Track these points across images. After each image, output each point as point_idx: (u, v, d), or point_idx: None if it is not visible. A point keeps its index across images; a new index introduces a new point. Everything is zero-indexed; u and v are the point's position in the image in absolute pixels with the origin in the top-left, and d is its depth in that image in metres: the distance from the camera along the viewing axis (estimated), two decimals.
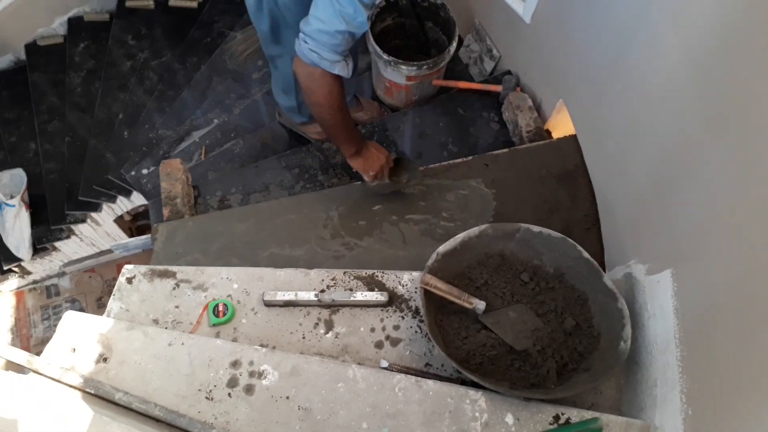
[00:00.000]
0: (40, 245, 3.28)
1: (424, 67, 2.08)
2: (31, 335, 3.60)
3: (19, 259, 3.29)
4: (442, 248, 1.46)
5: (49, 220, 3.23)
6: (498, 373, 1.34)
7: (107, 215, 3.29)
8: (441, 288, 1.39)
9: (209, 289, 1.53)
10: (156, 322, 1.48)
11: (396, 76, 2.15)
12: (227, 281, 1.54)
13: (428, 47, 2.37)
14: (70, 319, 1.37)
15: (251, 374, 1.29)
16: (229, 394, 1.26)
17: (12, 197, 3.13)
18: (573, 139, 1.93)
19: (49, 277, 3.73)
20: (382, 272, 1.57)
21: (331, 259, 1.73)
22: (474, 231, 1.50)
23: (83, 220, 3.26)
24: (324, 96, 1.47)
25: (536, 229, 1.51)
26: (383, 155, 1.71)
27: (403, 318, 1.49)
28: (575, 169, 1.90)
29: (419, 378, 1.28)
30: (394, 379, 1.27)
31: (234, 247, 1.73)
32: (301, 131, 2.30)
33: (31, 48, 3.54)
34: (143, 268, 1.55)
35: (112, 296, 1.51)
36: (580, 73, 1.79)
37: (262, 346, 1.43)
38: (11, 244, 3.22)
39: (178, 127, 2.65)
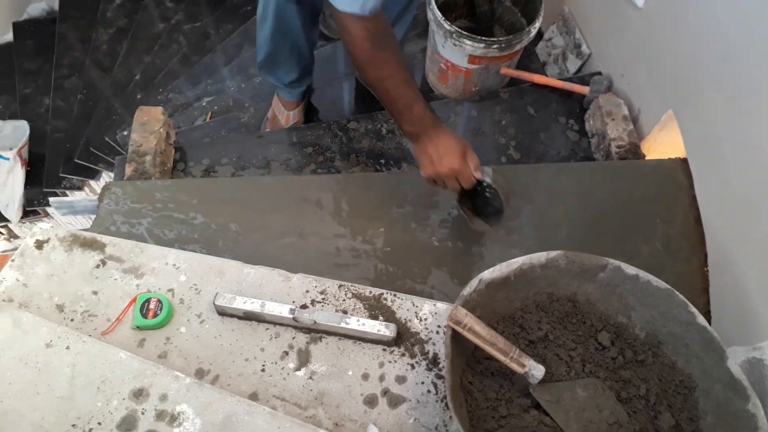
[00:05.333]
0: (30, 208, 2.93)
1: (494, 46, 1.62)
2: None
3: (6, 220, 2.96)
4: (488, 274, 0.97)
5: (44, 182, 2.89)
6: None
7: (104, 183, 2.91)
8: (479, 332, 0.89)
9: (145, 276, 1.07)
10: (61, 309, 1.02)
11: (456, 55, 1.69)
12: (173, 269, 1.08)
13: (491, 28, 1.89)
14: None
15: (159, 415, 0.82)
16: None
17: (10, 150, 2.81)
18: (682, 163, 1.43)
19: None
20: (395, 295, 1.08)
21: (330, 266, 1.25)
22: (539, 257, 1.01)
23: (80, 188, 2.90)
24: (360, 47, 1.09)
25: (631, 270, 1.01)
26: (463, 157, 1.15)
27: (412, 367, 1.00)
28: (678, 204, 1.39)
29: None
30: None
31: (205, 230, 1.28)
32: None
33: None
34: (62, 232, 1.11)
35: (9, 262, 1.07)
36: (708, 74, 1.31)
37: (198, 372, 0.95)
38: (1, 201, 2.90)
39: (189, 92, 2.27)
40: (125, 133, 2.07)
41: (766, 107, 1.11)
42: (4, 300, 1.02)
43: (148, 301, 1.02)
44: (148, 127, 1.43)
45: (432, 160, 1.14)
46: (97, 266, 1.08)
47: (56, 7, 3.30)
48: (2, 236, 3.15)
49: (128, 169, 1.39)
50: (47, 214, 3.07)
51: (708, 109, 1.34)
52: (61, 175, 2.81)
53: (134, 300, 1.03)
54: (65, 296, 1.04)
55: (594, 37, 1.81)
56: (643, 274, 1.01)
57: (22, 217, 2.97)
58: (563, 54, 1.91)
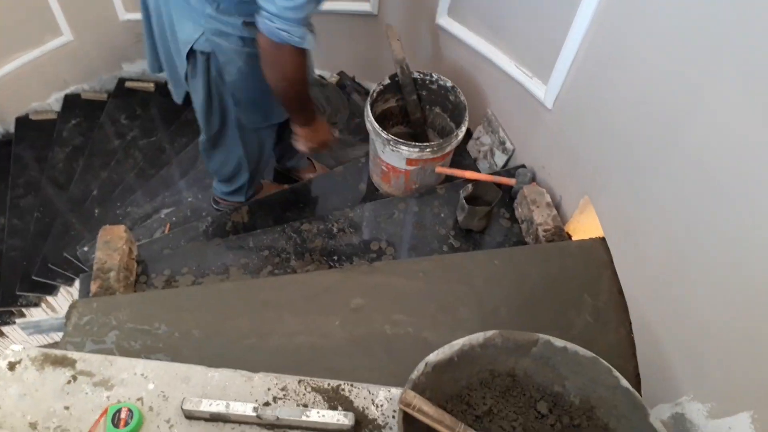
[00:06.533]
0: None
1: (428, 149, 1.82)
2: None
3: None
4: (434, 357, 1.08)
5: None
6: None
7: (64, 300, 2.91)
8: (427, 413, 0.99)
9: (115, 387, 1.13)
10: (34, 427, 1.07)
11: (395, 158, 1.88)
12: (141, 378, 1.14)
13: (425, 133, 2.13)
14: None
15: None
16: None
17: None
18: (602, 242, 1.61)
19: None
20: (351, 385, 1.17)
21: (290, 363, 1.33)
22: (477, 338, 1.13)
23: (36, 304, 2.88)
24: (292, 71, 1.47)
25: (559, 343, 1.14)
26: (331, 134, 1.79)
27: None
28: (601, 278, 1.56)
29: None
30: None
31: (169, 338, 1.35)
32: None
33: (22, 121, 3.39)
34: (34, 352, 1.17)
35: None
36: (614, 164, 1.51)
37: None
38: None
39: (147, 204, 2.37)
40: (85, 248, 2.14)
41: (663, 192, 1.30)
42: None
43: (119, 411, 1.07)
44: (111, 245, 1.53)
45: (320, 135, 1.73)
46: (68, 382, 1.13)
47: (12, 129, 3.40)
48: None
49: (93, 286, 1.46)
50: (2, 333, 3.02)
51: (617, 193, 1.53)
52: (17, 293, 2.81)
53: (105, 411, 1.08)
54: (38, 414, 1.09)
55: (515, 134, 2.04)
56: (571, 346, 1.14)
57: None
58: (491, 150, 2.13)
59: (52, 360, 1.16)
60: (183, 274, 1.65)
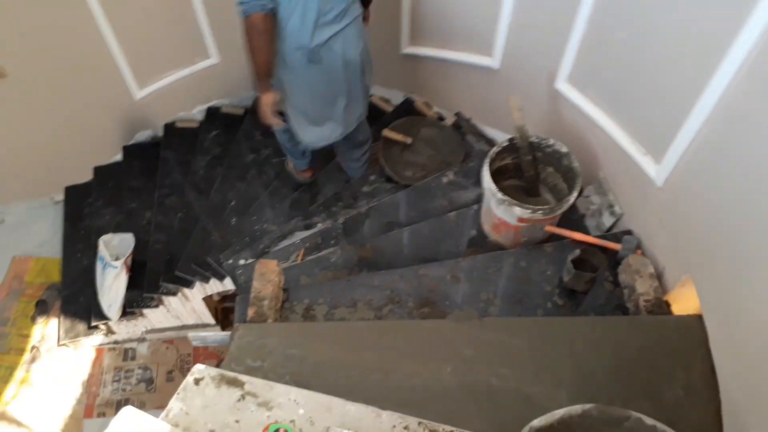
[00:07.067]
0: (130, 309, 3.36)
1: (539, 212, 1.99)
2: (99, 394, 3.62)
3: (107, 318, 3.38)
4: (537, 422, 1.28)
5: (144, 287, 3.32)
6: None
7: (198, 292, 3.35)
8: None
9: (274, 409, 1.42)
10: None
11: (508, 215, 2.07)
12: (294, 404, 1.43)
13: (537, 189, 2.30)
14: (127, 415, 1.30)
15: None
16: None
17: (117, 259, 3.27)
18: (699, 320, 1.72)
19: (130, 340, 3.80)
20: None
21: (408, 402, 1.58)
22: (576, 409, 1.31)
23: (174, 293, 3.33)
24: (261, 39, 1.95)
25: (650, 421, 1.30)
26: (266, 115, 2.26)
27: None
28: (696, 355, 1.67)
29: None
30: None
31: (312, 366, 1.64)
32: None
33: (169, 127, 3.85)
34: (213, 372, 1.48)
35: (176, 395, 1.44)
36: (719, 247, 1.61)
37: None
38: (104, 302, 3.34)
39: (283, 225, 2.70)
40: (230, 261, 2.50)
41: (765, 280, 1.40)
42: (172, 425, 1.38)
43: (277, 430, 1.36)
44: (266, 277, 1.84)
45: (260, 105, 2.20)
46: (238, 400, 1.44)
47: (160, 134, 3.87)
48: (101, 331, 3.57)
49: (250, 311, 1.78)
50: (142, 314, 3.50)
51: (719, 276, 1.62)
52: (161, 283, 3.26)
53: (267, 429, 1.38)
54: (215, 424, 1.40)
55: (625, 201, 2.15)
56: (660, 426, 1.30)
57: (120, 317, 3.40)
58: (599, 210, 2.26)
59: (227, 380, 1.47)
60: (319, 304, 1.94)
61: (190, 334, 1.75)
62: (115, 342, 3.75)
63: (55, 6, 2.60)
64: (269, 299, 1.81)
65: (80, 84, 3.29)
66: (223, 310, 3.87)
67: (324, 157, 2.99)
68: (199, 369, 1.48)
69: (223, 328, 3.77)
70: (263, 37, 1.95)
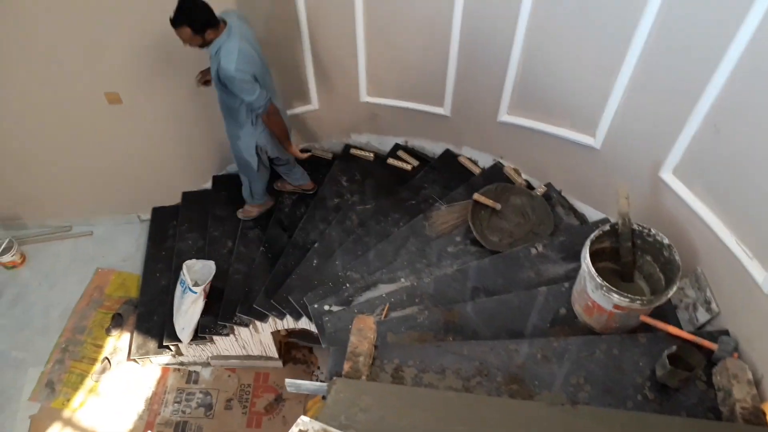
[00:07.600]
0: (202, 334, 3.45)
1: (638, 302, 1.98)
2: (160, 413, 3.72)
3: (178, 340, 3.48)
4: None
5: (219, 315, 3.42)
6: None
7: (268, 326, 3.43)
8: None
9: None
10: None
11: (603, 300, 2.07)
12: None
13: (632, 275, 2.29)
14: None
15: None
16: None
17: (197, 285, 3.38)
18: None
19: (195, 363, 3.91)
20: None
21: None
22: None
23: (247, 325, 3.42)
24: (279, 117, 2.94)
25: None
26: (296, 152, 3.24)
27: None
28: None
29: None
30: None
31: (404, 431, 1.67)
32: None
33: None
34: (317, 426, 1.53)
35: None
36: None
37: None
38: (178, 324, 3.45)
39: (367, 275, 2.76)
40: (315, 306, 2.58)
41: None
42: None
43: None
44: (363, 333, 1.90)
45: (291, 151, 3.18)
46: None
47: None
48: (170, 352, 3.69)
49: (346, 366, 1.83)
50: (212, 341, 3.60)
51: None
52: (237, 313, 3.35)
53: None
54: None
55: (723, 300, 2.11)
56: None
57: (191, 341, 3.51)
58: (694, 305, 2.23)
59: None
60: (408, 366, 1.97)
61: (287, 380, 1.81)
62: (181, 363, 3.86)
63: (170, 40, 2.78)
64: (364, 356, 1.86)
65: (185, 115, 3.53)
66: (286, 344, 3.95)
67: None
68: (304, 421, 1.54)
69: (284, 363, 3.84)
70: (279, 116, 2.93)
